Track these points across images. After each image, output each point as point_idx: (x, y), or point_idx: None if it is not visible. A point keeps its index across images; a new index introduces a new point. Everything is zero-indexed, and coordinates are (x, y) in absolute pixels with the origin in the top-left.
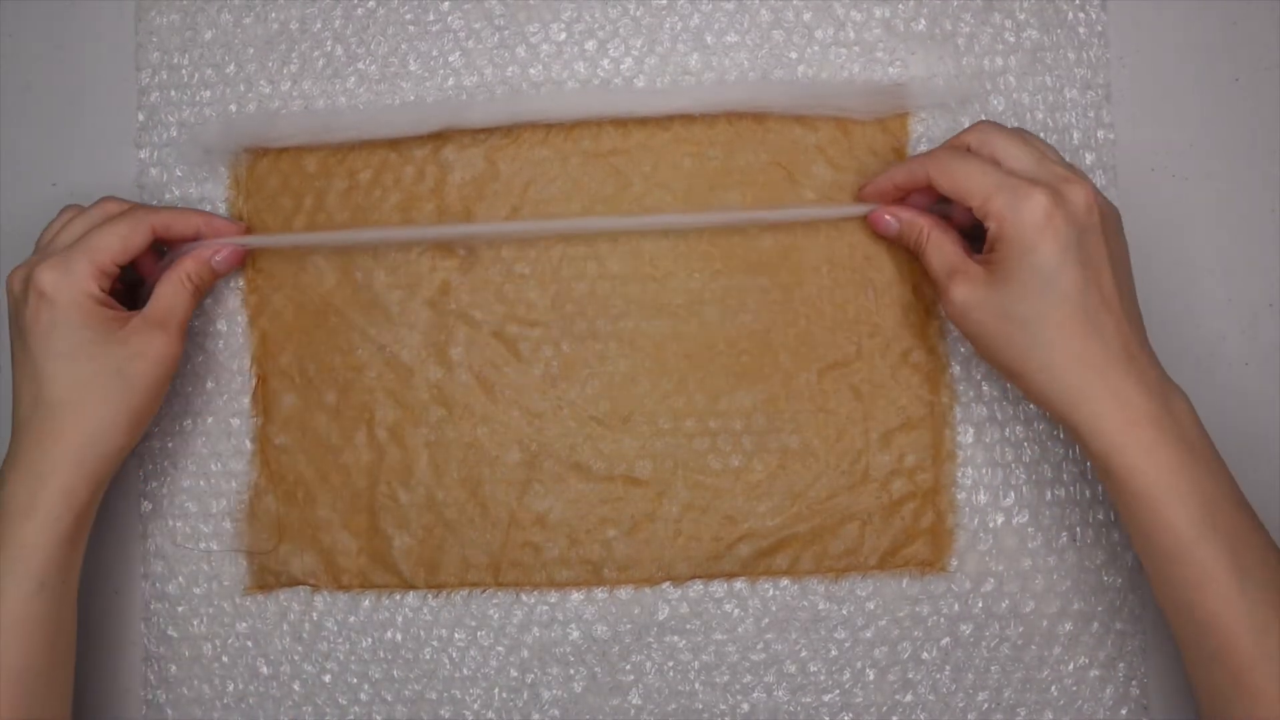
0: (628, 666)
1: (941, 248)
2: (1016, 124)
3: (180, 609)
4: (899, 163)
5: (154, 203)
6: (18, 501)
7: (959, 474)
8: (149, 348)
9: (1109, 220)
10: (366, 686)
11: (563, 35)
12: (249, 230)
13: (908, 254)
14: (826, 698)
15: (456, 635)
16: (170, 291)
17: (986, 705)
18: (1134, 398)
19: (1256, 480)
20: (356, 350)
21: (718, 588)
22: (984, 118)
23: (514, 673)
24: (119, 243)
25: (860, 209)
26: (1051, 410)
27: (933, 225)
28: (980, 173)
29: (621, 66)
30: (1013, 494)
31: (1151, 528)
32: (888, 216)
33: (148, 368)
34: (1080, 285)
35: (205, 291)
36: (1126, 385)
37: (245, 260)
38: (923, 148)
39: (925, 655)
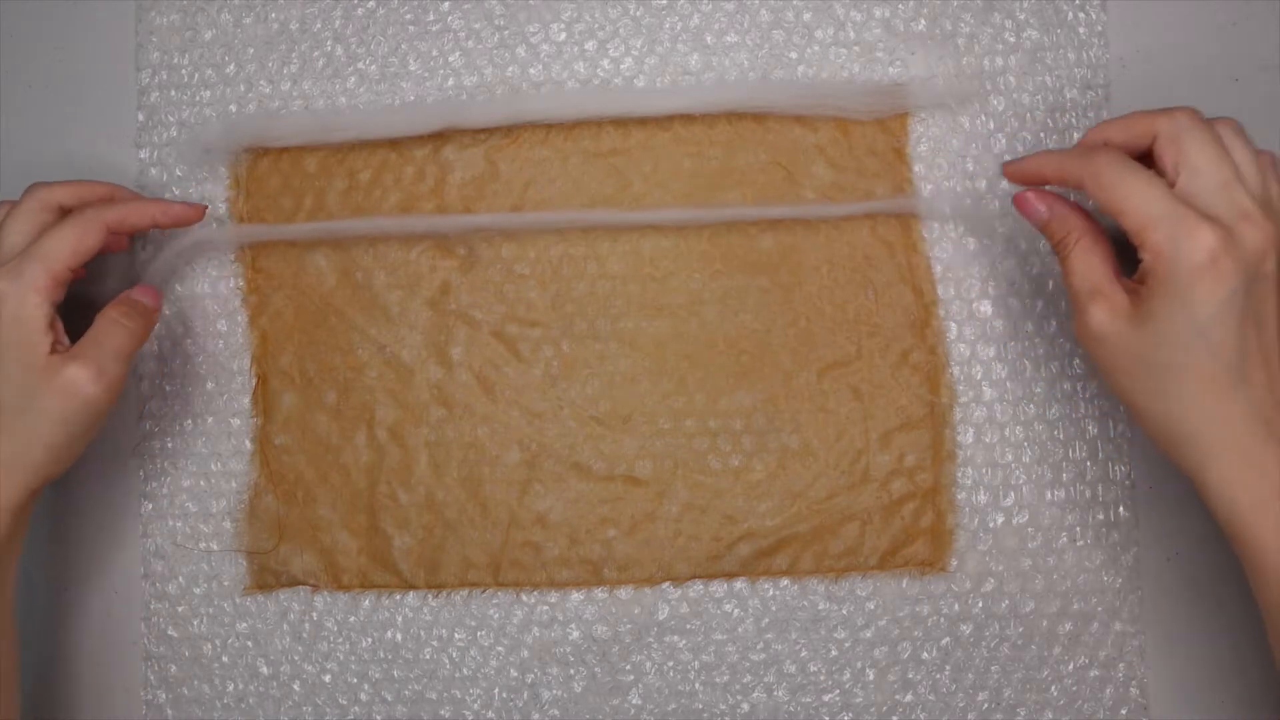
0: (628, 666)
1: (1089, 260)
2: (1017, 124)
3: (180, 609)
4: (1053, 151)
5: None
6: None
7: (959, 474)
8: (71, 386)
9: None
10: (366, 686)
11: (563, 35)
12: (211, 215)
13: (907, 254)
14: (826, 698)
15: (456, 635)
16: (104, 329)
17: (986, 705)
18: (1271, 466)
19: None
20: (356, 350)
21: (718, 588)
22: (1184, 111)
23: (514, 673)
24: (70, 246)
25: (858, 208)
26: (1177, 463)
27: (1085, 230)
28: (1145, 194)
29: (621, 66)
30: (1013, 494)
31: (1266, 603)
32: (1040, 204)
33: (66, 406)
34: (1235, 341)
35: (150, 326)
36: (1266, 451)
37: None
38: (923, 148)
39: (925, 655)
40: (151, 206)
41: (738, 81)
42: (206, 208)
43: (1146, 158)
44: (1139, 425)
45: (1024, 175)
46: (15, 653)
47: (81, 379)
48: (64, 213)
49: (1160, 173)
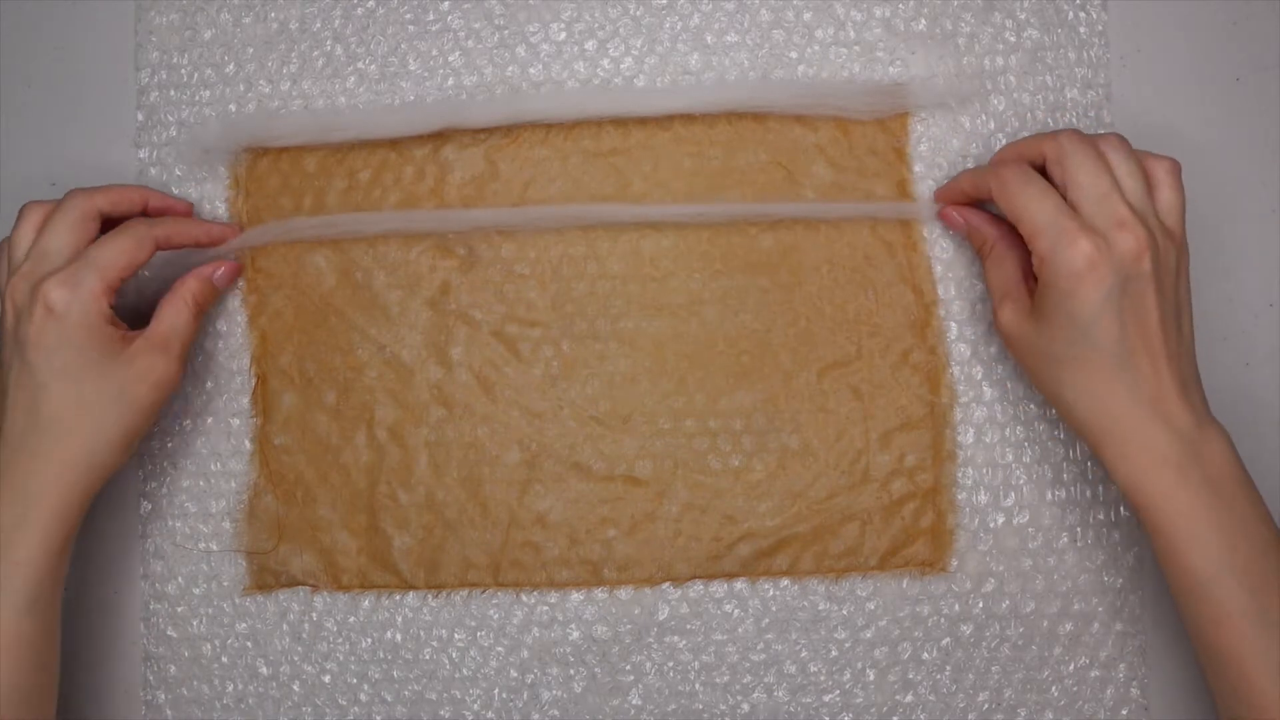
0: (628, 667)
1: (1001, 266)
2: (1018, 124)
3: (180, 609)
4: (971, 169)
5: None
6: (8, 519)
7: (959, 474)
8: (152, 371)
9: (1164, 264)
10: (366, 687)
11: (563, 35)
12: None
13: (908, 254)
14: (827, 698)
15: (456, 635)
16: (172, 313)
17: (987, 706)
18: (1157, 442)
19: (1257, 481)
20: (356, 350)
21: (718, 588)
22: (1066, 134)
23: (514, 673)
24: (126, 259)
25: (858, 208)
26: (1085, 442)
27: (999, 238)
28: (1037, 205)
29: (621, 66)
30: (1013, 494)
31: (1171, 565)
32: (957, 217)
33: (149, 390)
34: (1116, 335)
35: (207, 310)
36: (1152, 429)
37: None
38: (923, 148)
39: (926, 655)
40: (196, 228)
41: (738, 81)
42: (241, 228)
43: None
44: (1060, 415)
45: (949, 194)
46: (57, 651)
47: (159, 363)
48: (104, 219)
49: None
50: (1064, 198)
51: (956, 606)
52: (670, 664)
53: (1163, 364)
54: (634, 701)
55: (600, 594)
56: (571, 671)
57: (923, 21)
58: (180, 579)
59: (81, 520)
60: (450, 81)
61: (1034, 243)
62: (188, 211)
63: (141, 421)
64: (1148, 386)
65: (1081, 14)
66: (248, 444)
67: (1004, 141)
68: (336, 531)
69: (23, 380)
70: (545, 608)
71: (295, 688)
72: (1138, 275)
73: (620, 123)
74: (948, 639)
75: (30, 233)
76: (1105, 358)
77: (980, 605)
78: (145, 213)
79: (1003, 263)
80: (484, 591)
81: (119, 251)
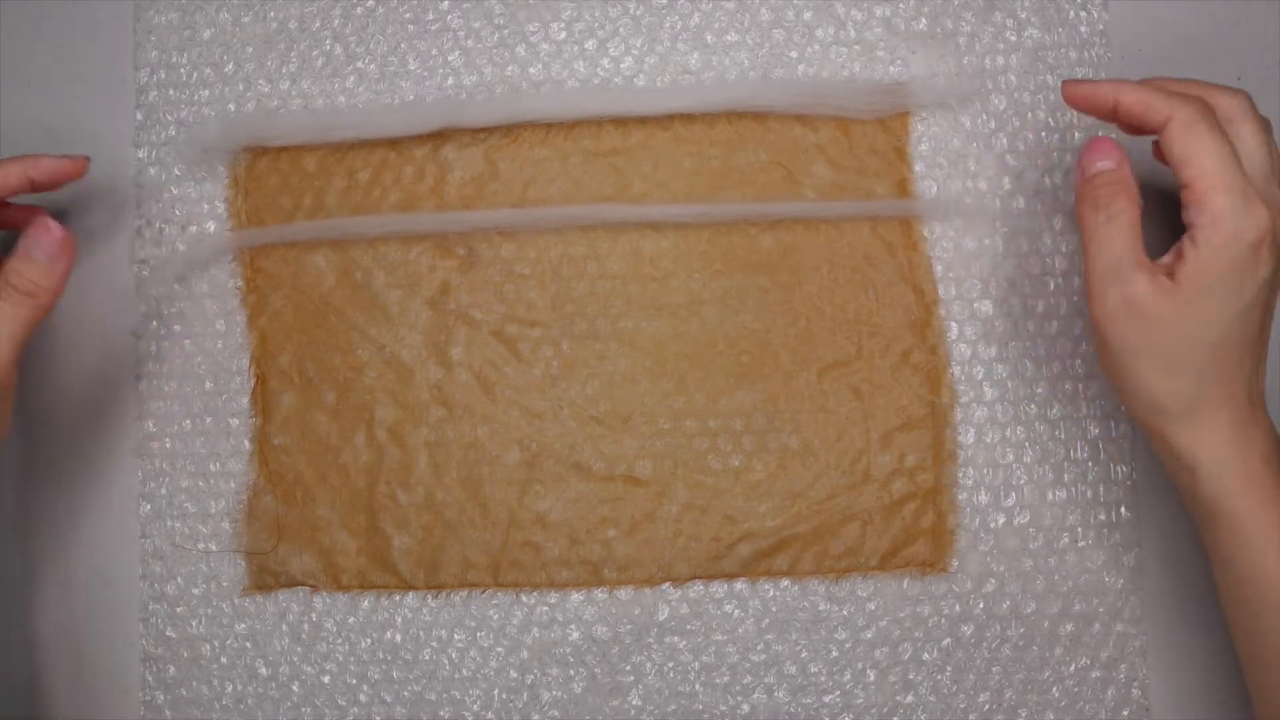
0: (628, 667)
1: (1132, 233)
2: (1019, 124)
3: (179, 610)
4: (1133, 83)
5: (152, 203)
6: None
7: (960, 474)
8: None
9: None
10: (366, 687)
11: (563, 34)
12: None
13: (908, 254)
14: (827, 699)
15: (456, 636)
16: None
17: (988, 706)
18: (1261, 445)
19: None
20: (356, 350)
21: (718, 588)
22: (1240, 96)
23: (514, 673)
24: None
25: (859, 208)
26: (1163, 439)
27: (1133, 199)
28: (1222, 157)
29: (621, 66)
30: (1014, 494)
31: (1253, 576)
32: (1112, 156)
33: None
34: (1260, 323)
35: (52, 298)
36: (1254, 428)
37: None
38: (924, 148)
39: (926, 656)
40: (16, 164)
41: (738, 81)
42: (87, 158)
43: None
44: (1127, 401)
45: (1095, 98)
46: None
47: None
48: None
49: None
50: None
51: (957, 607)
52: (670, 664)
53: (1261, 365)
54: (634, 702)
55: (600, 594)
56: (571, 672)
57: (923, 21)
58: (179, 579)
59: None
60: (450, 81)
61: (1209, 195)
62: (81, 167)
63: None
64: (1254, 385)
65: (1082, 13)
66: (247, 444)
67: (1005, 141)
68: (336, 532)
69: None
70: (545, 608)
71: (295, 688)
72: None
73: (620, 123)
74: (948, 639)
75: None
76: (1247, 346)
77: (981, 606)
78: (32, 188)
79: (1135, 229)
80: (484, 592)
81: None
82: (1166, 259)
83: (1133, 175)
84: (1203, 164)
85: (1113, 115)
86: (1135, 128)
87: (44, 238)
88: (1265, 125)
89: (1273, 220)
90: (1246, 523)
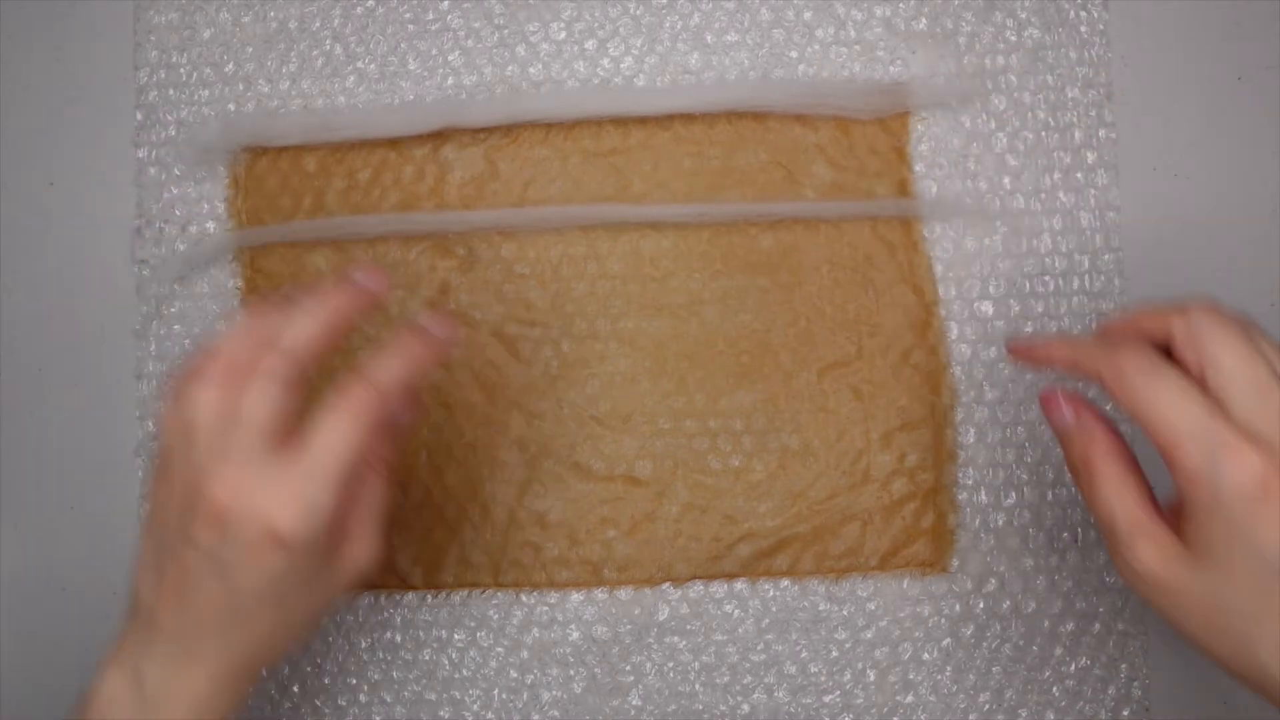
0: (628, 667)
1: (1123, 490)
2: (1019, 124)
3: None
4: (1068, 339)
5: (152, 203)
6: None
7: (960, 474)
8: (361, 566)
9: None
10: (365, 687)
11: (563, 34)
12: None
13: (908, 254)
14: (827, 699)
15: (456, 636)
16: (362, 488)
17: (988, 706)
18: None
19: None
20: (357, 350)
21: (718, 588)
22: (1201, 308)
23: (513, 673)
24: (357, 438)
25: (859, 207)
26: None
27: (1113, 451)
28: (1177, 404)
29: (621, 66)
30: (1014, 494)
31: None
32: (1066, 409)
33: (355, 585)
34: None
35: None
36: None
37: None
38: (924, 148)
39: (926, 656)
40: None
41: (738, 81)
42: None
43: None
44: (1237, 674)
45: (1031, 356)
46: None
47: (368, 554)
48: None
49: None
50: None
51: (957, 607)
52: (670, 664)
53: None
54: (634, 702)
55: (600, 594)
56: (571, 672)
57: (923, 21)
58: None
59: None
60: (450, 81)
61: (1177, 455)
62: (381, 285)
63: (321, 613)
64: None
65: (1083, 13)
66: None
67: (1005, 141)
68: None
69: (214, 595)
70: (545, 608)
71: (294, 688)
72: None
73: (620, 122)
74: (949, 639)
75: (214, 396)
76: None
77: (981, 605)
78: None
79: (1124, 487)
80: (484, 592)
81: (340, 432)
82: (1177, 508)
83: (1100, 420)
84: (1154, 421)
85: (1055, 370)
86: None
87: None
88: (1245, 332)
89: (1268, 459)
90: None
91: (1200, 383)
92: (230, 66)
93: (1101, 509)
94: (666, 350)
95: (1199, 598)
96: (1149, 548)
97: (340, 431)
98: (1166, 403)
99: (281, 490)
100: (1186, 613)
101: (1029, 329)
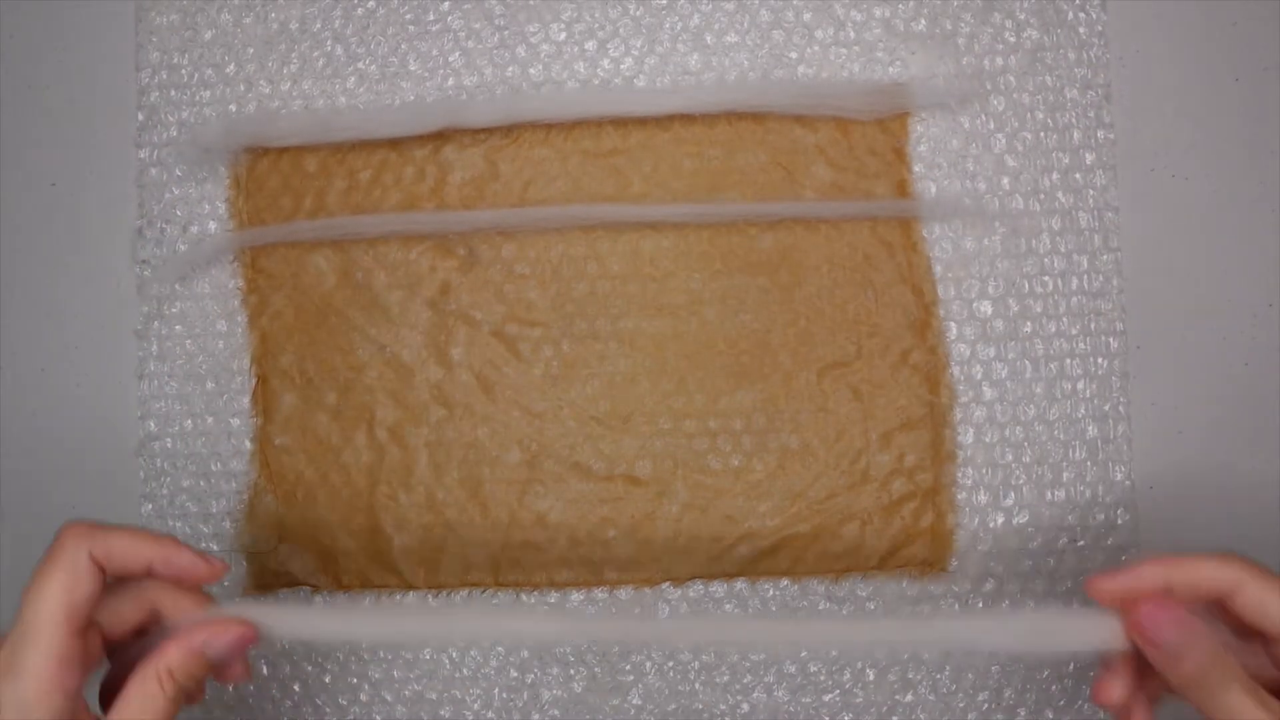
0: (628, 667)
1: (1251, 706)
2: (1017, 124)
3: None
4: (1156, 560)
5: (154, 204)
6: None
7: (959, 474)
8: None
9: None
10: (366, 687)
11: (563, 35)
12: (228, 565)
13: (907, 254)
14: (827, 698)
15: None
16: (139, 696)
17: (987, 705)
18: None
19: (1256, 480)
20: (357, 350)
21: (718, 588)
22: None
23: (514, 673)
24: (62, 609)
25: (859, 208)
26: None
27: (1237, 666)
28: (1247, 712)
29: (621, 66)
30: (1013, 494)
31: None
32: (1171, 627)
33: None
34: None
35: (196, 697)
36: None
37: (255, 639)
38: (923, 148)
39: (925, 655)
40: (148, 547)
41: (738, 81)
42: (226, 567)
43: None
44: None
45: (1132, 590)
46: None
47: None
48: (98, 567)
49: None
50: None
51: (956, 606)
52: (670, 664)
53: None
54: (634, 701)
55: (600, 594)
56: (571, 671)
57: (922, 21)
58: None
59: None
60: (450, 81)
61: None
62: (209, 572)
63: None
64: None
65: (1081, 14)
66: (248, 444)
67: (1004, 141)
68: (336, 532)
69: None
70: (545, 608)
71: (295, 688)
72: None
73: (620, 123)
74: None
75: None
76: None
77: (980, 605)
78: (150, 572)
79: (1252, 701)
80: (484, 591)
81: (50, 600)
82: None
83: (1206, 624)
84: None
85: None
86: (1198, 601)
87: (236, 643)
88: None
89: None
90: None
91: (1241, 628)
92: (231, 67)
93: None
94: (666, 350)
95: None
96: None
97: (47, 601)
98: (1242, 708)
99: None
100: None
101: (1028, 329)
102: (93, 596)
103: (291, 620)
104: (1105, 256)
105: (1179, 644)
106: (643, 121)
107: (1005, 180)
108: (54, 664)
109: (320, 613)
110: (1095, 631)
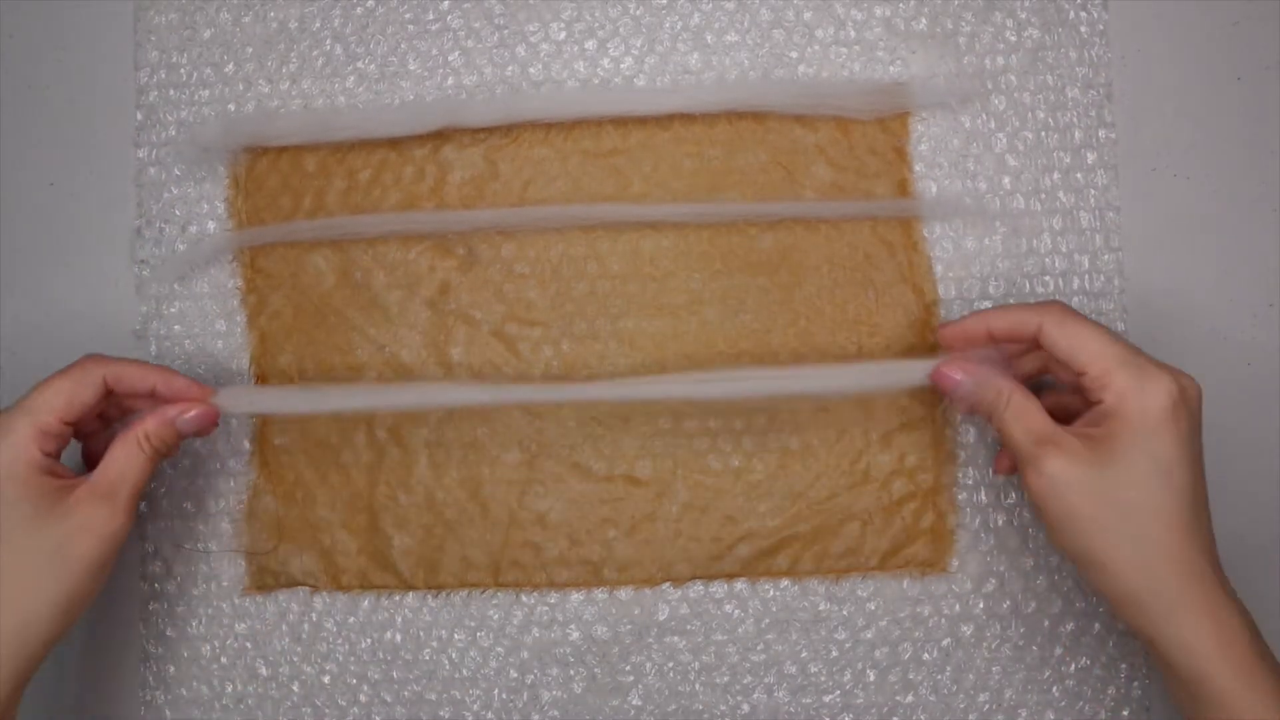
0: (627, 667)
1: (1027, 414)
2: (1018, 124)
3: (179, 609)
4: (993, 308)
5: (152, 203)
6: None
7: (960, 474)
8: (92, 523)
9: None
10: (366, 687)
11: (562, 34)
12: (217, 390)
13: (908, 254)
14: (827, 699)
15: (456, 636)
16: (122, 455)
17: (988, 706)
18: (1226, 613)
19: (1256, 480)
20: (356, 350)
21: (718, 588)
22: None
23: (514, 673)
24: (63, 399)
25: (859, 207)
26: (1132, 615)
27: (1014, 388)
28: (1104, 341)
29: (621, 66)
30: (1014, 494)
31: None
32: (959, 375)
33: (90, 546)
34: (1191, 483)
35: (168, 455)
36: (1220, 598)
37: (216, 420)
38: (923, 147)
39: (926, 656)
40: (152, 373)
41: (738, 81)
42: (214, 392)
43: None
44: (1093, 582)
45: (964, 335)
46: None
47: (102, 513)
48: (105, 386)
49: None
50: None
51: (957, 607)
52: (670, 664)
53: (1209, 527)
54: (634, 702)
55: (600, 594)
56: (571, 672)
57: (923, 21)
58: (179, 579)
59: (16, 704)
60: (450, 81)
61: (1108, 377)
62: (202, 396)
63: (84, 582)
64: (1209, 550)
65: (1082, 13)
66: (247, 444)
67: (1005, 141)
68: (336, 532)
69: None
70: (545, 608)
71: (295, 688)
72: (1198, 426)
73: (620, 123)
74: (948, 639)
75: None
76: (1183, 507)
77: (981, 605)
78: (153, 395)
79: (1027, 410)
80: (484, 592)
81: (54, 391)
82: (1081, 424)
83: (998, 371)
84: (1088, 354)
85: (991, 340)
86: (1013, 345)
87: (200, 418)
88: (1093, 321)
89: (1176, 382)
90: (1223, 701)
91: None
92: (230, 67)
93: (1013, 433)
94: (666, 350)
95: (1096, 497)
96: (1058, 454)
97: (52, 386)
98: (1101, 340)
99: None
100: (1080, 510)
101: None
102: (91, 404)
103: (247, 399)
104: (1106, 256)
105: (963, 390)
106: (643, 121)
107: (1006, 180)
108: (38, 433)
109: (275, 394)
110: (910, 373)
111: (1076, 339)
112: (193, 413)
